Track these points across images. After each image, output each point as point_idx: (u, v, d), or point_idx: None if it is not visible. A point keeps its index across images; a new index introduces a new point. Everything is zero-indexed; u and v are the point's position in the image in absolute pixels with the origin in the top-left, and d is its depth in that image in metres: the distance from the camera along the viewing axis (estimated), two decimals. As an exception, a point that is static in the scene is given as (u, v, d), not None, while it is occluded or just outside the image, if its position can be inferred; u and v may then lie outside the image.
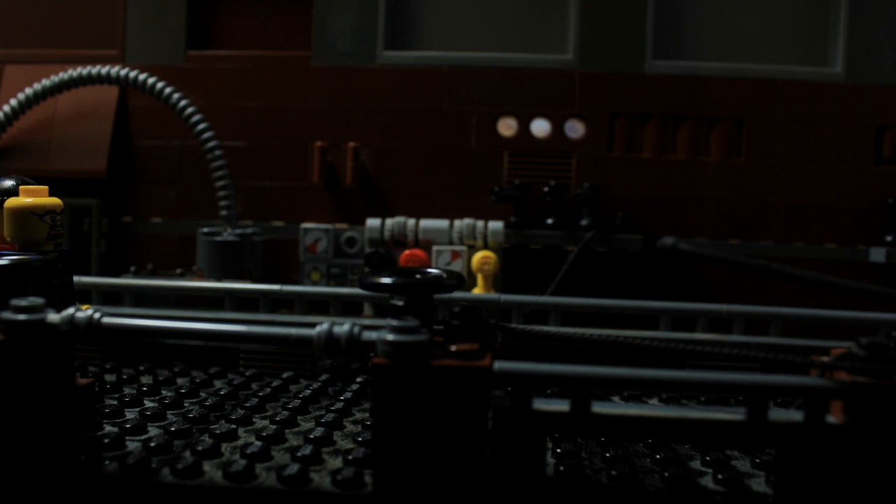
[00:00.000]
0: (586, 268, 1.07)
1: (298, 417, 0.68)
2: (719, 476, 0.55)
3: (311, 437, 0.61)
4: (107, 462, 0.54)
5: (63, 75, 1.09)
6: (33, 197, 0.66)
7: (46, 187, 0.67)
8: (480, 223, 1.03)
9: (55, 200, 0.67)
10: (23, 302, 0.49)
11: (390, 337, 0.46)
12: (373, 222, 1.04)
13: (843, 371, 0.47)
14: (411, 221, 1.04)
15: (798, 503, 0.47)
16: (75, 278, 0.92)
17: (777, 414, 0.47)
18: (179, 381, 0.82)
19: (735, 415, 0.47)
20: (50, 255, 0.66)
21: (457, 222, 1.03)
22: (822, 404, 0.46)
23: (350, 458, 0.56)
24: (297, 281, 1.10)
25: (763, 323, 0.86)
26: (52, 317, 0.50)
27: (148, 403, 0.71)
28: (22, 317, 0.49)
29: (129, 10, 1.16)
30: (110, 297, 0.92)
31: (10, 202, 0.66)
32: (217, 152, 1.07)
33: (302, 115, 1.14)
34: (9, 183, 0.71)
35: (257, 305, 0.90)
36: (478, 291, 0.99)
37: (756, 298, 1.00)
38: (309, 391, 0.76)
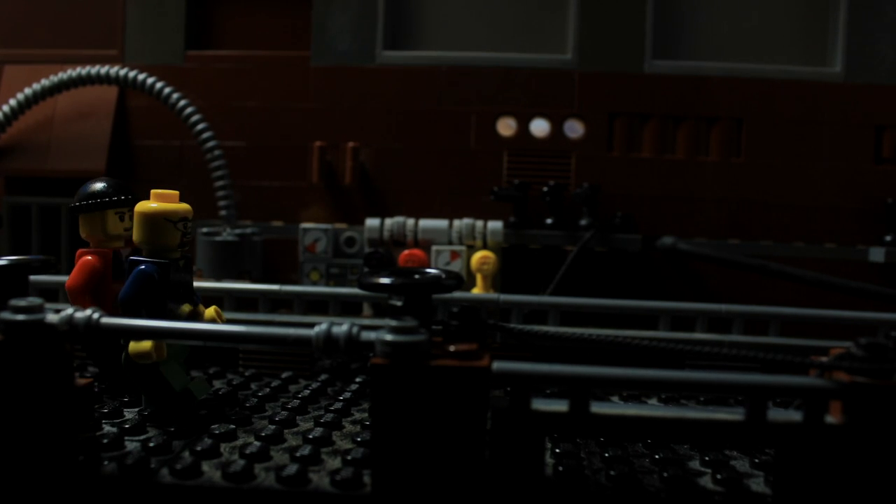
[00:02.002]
0: (585, 268, 1.07)
1: (297, 418, 0.68)
2: (718, 476, 0.55)
3: (310, 437, 0.61)
4: (106, 462, 0.54)
5: (62, 75, 1.09)
6: (166, 202, 0.65)
7: (177, 192, 0.66)
8: (480, 223, 1.03)
9: (188, 207, 0.66)
10: (22, 302, 0.49)
11: (389, 337, 0.46)
12: (372, 222, 1.04)
13: (842, 371, 0.47)
14: (410, 221, 1.04)
15: (797, 503, 0.47)
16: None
17: (776, 414, 0.47)
18: (179, 381, 0.82)
19: (734, 415, 0.47)
20: (178, 261, 0.66)
21: (456, 222, 1.03)
22: (821, 404, 0.46)
23: (349, 458, 0.56)
24: (296, 281, 1.10)
25: (762, 323, 0.86)
26: (51, 317, 0.50)
27: (147, 403, 0.71)
28: (21, 317, 0.49)
29: (128, 10, 1.16)
30: (109, 297, 0.92)
31: (144, 207, 0.64)
32: (216, 152, 1.07)
33: (301, 115, 1.14)
34: (99, 185, 0.70)
35: (256, 305, 0.90)
36: (477, 291, 0.99)
37: (755, 298, 1.00)
38: (308, 391, 0.76)
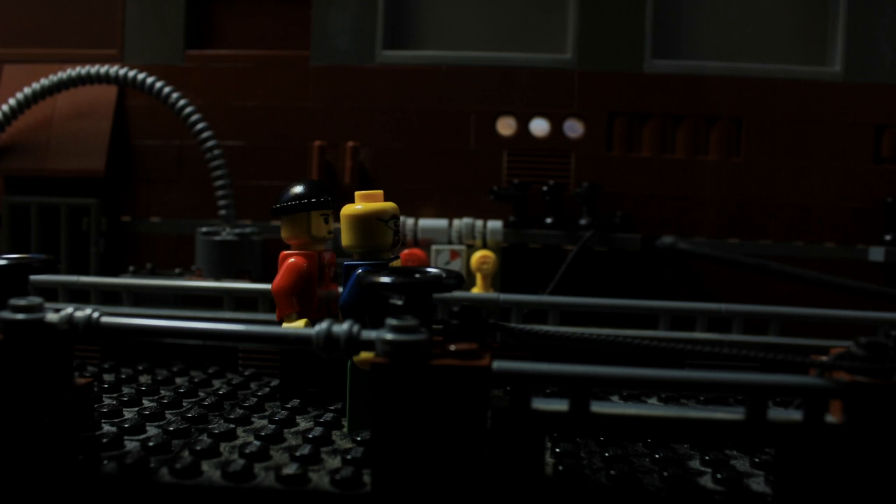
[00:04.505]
0: (585, 267, 1.07)
1: (297, 417, 0.68)
2: (718, 476, 0.55)
3: (310, 436, 0.61)
4: (105, 462, 0.54)
5: (62, 74, 1.08)
6: (373, 202, 0.63)
7: (381, 191, 0.64)
8: (479, 222, 1.03)
9: (395, 205, 0.64)
10: (21, 301, 0.49)
11: (389, 336, 0.46)
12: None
13: (843, 370, 0.47)
14: (410, 221, 1.04)
15: (797, 503, 0.47)
16: (74, 278, 0.92)
17: (776, 413, 0.47)
18: (178, 380, 0.82)
19: (734, 414, 0.47)
20: (389, 261, 0.64)
21: (456, 222, 1.03)
22: (821, 404, 0.46)
23: (349, 457, 0.56)
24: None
25: (762, 322, 0.86)
26: (51, 316, 0.50)
27: (147, 403, 0.71)
28: (20, 316, 0.49)
29: (127, 9, 1.16)
30: (109, 297, 0.92)
31: (354, 209, 0.63)
32: (216, 152, 1.07)
33: (301, 114, 1.14)
34: (304, 187, 0.69)
35: (256, 305, 0.90)
36: (477, 291, 0.99)
37: (755, 298, 1.00)
38: (308, 391, 0.76)
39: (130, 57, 1.16)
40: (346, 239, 0.64)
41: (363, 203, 0.64)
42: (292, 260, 0.69)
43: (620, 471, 0.54)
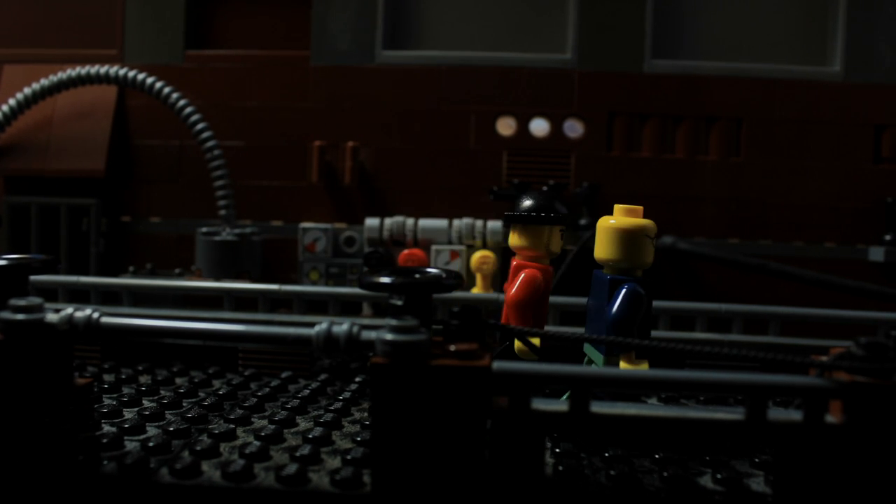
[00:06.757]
0: (585, 267, 1.07)
1: (297, 417, 0.68)
2: (718, 476, 0.55)
3: (310, 436, 0.61)
4: (105, 462, 0.54)
5: (62, 75, 1.09)
6: (637, 217, 0.62)
7: (641, 207, 0.63)
8: (479, 223, 1.03)
9: (652, 221, 0.63)
10: (21, 302, 0.49)
11: (389, 336, 0.46)
12: (371, 222, 1.04)
13: (842, 371, 0.47)
14: (410, 221, 1.04)
15: (797, 503, 0.47)
16: (74, 278, 0.92)
17: (776, 414, 0.47)
18: (178, 380, 0.82)
19: (734, 415, 0.47)
20: (644, 278, 0.63)
21: (455, 222, 1.03)
22: (821, 404, 0.46)
23: (349, 457, 0.56)
24: (295, 281, 1.10)
25: (762, 322, 0.86)
26: (51, 317, 0.50)
27: (146, 403, 0.71)
28: (20, 316, 0.49)
29: (127, 9, 1.16)
30: (109, 297, 0.92)
31: (618, 223, 0.61)
32: (216, 152, 1.07)
33: (300, 114, 1.14)
34: (545, 201, 0.67)
35: (256, 305, 0.90)
36: (477, 291, 0.99)
37: (755, 298, 1.00)
38: (308, 391, 0.76)
39: (130, 57, 1.16)
40: (605, 252, 0.62)
41: (626, 217, 0.62)
42: (534, 272, 0.67)
43: (620, 471, 0.54)
